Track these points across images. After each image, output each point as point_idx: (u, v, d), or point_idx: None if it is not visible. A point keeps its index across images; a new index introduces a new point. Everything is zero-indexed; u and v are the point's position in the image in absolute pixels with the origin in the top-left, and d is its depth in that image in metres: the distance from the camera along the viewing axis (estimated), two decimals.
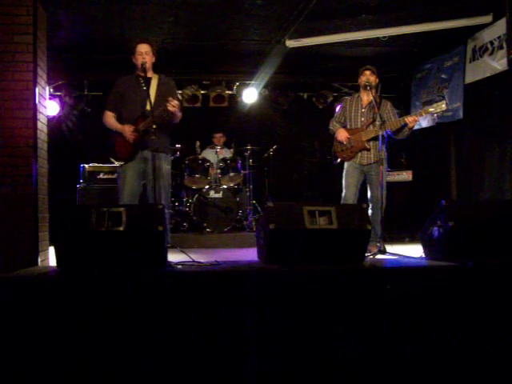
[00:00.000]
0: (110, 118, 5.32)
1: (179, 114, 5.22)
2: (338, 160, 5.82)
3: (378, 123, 5.35)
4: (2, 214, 4.52)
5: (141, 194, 5.29)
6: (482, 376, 3.44)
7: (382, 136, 5.21)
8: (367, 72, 5.69)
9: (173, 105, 5.03)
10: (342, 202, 5.70)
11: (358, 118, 5.75)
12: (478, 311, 3.53)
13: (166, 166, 5.26)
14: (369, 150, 5.64)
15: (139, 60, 5.18)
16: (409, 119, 5.44)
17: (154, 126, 4.81)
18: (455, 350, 3.46)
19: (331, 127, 5.91)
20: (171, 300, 3.34)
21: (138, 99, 5.18)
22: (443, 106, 5.47)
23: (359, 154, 5.69)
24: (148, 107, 4.96)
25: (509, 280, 3.61)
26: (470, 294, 3.56)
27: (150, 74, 5.29)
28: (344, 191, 5.75)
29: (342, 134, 5.73)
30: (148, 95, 5.03)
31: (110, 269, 3.55)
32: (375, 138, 5.53)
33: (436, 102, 6.81)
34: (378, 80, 5.77)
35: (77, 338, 3.21)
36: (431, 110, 5.55)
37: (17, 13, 4.68)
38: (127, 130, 5.14)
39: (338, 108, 6.26)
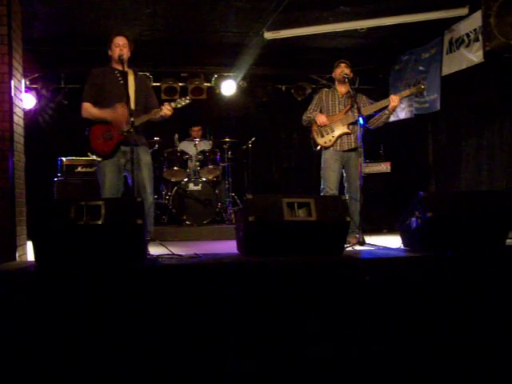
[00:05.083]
0: (91, 109, 5.19)
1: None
2: (318, 147, 5.79)
3: (356, 114, 5.39)
4: None
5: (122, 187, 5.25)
6: (462, 364, 3.49)
7: (359, 126, 5.26)
8: (342, 65, 5.75)
9: (168, 108, 5.08)
10: (323, 193, 5.66)
11: (336, 106, 5.78)
12: (456, 300, 3.57)
13: (147, 158, 5.23)
14: (350, 134, 5.66)
15: (116, 52, 5.11)
16: (391, 97, 5.50)
17: (132, 130, 4.84)
18: (434, 338, 3.50)
19: (306, 117, 5.88)
20: (151, 293, 3.33)
21: (116, 93, 5.12)
22: (422, 86, 5.64)
23: (339, 141, 5.69)
24: (132, 106, 4.92)
25: (486, 269, 3.67)
26: (448, 284, 3.60)
27: (125, 68, 5.23)
28: (324, 183, 5.69)
29: (321, 118, 5.71)
30: (127, 91, 4.99)
31: (89, 263, 3.53)
32: (355, 123, 5.57)
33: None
34: (352, 73, 5.81)
35: (54, 333, 3.19)
36: (411, 91, 5.70)
37: None
38: (120, 109, 5.05)
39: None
